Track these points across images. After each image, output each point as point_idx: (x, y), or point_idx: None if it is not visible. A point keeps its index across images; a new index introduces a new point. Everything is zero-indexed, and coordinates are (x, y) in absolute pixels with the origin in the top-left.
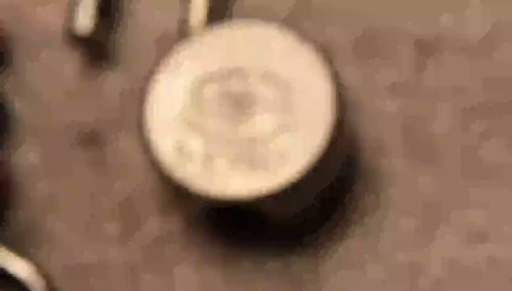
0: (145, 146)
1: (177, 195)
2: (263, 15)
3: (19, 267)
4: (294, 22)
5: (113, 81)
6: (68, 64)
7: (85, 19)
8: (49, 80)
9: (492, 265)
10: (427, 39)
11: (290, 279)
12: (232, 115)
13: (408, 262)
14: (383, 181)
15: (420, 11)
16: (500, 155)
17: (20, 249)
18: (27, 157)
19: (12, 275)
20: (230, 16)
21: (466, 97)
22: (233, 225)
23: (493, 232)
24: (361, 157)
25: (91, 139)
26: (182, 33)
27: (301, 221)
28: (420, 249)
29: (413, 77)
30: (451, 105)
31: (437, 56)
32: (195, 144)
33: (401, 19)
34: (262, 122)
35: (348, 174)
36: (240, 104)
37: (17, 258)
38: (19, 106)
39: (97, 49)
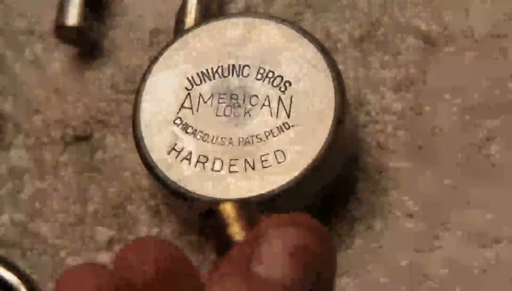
0: (138, 147)
1: (172, 197)
2: (262, 10)
3: (6, 272)
4: (294, 18)
5: (103, 79)
6: (58, 62)
7: (74, 11)
8: (38, 78)
9: (492, 265)
10: (429, 39)
11: None
12: (229, 114)
13: (409, 262)
14: (384, 180)
15: (422, 10)
16: (501, 155)
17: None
18: (16, 157)
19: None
20: (226, 11)
21: (466, 97)
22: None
23: (493, 232)
24: (361, 156)
25: (82, 140)
26: (177, 28)
27: None
28: (421, 249)
29: (414, 77)
30: (451, 105)
31: (437, 56)
32: (190, 145)
33: (402, 18)
34: (260, 121)
35: (348, 173)
36: (237, 103)
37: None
38: (8, 105)
39: (87, 46)
